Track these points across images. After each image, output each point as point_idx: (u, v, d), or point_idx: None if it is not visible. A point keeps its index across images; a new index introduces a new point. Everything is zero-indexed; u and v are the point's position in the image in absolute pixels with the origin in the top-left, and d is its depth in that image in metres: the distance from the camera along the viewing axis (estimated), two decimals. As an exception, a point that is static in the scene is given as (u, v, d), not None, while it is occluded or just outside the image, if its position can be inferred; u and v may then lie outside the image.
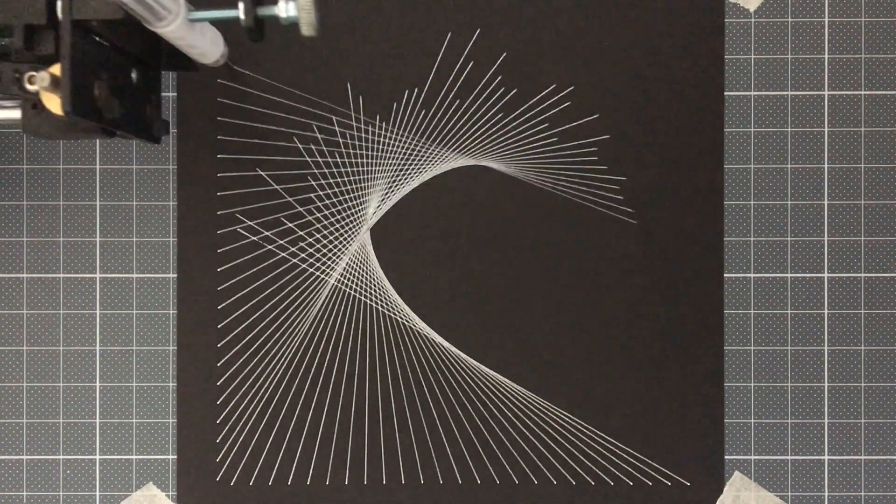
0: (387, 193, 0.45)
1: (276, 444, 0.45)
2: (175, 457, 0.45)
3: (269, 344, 0.45)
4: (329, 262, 0.45)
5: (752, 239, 0.45)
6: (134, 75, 0.35)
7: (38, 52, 0.30)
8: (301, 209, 0.45)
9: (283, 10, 0.32)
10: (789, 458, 0.45)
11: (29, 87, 0.30)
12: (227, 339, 0.45)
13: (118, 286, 0.45)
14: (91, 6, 0.29)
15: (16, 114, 0.32)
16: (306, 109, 0.45)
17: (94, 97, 0.31)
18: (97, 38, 0.31)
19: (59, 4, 0.29)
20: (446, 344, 0.45)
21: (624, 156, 0.45)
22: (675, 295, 0.45)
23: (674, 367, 0.45)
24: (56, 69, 0.30)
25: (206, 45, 0.33)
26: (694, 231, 0.45)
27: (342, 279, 0.45)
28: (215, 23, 0.34)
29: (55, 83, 0.29)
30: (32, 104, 0.31)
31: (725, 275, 0.45)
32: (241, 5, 0.31)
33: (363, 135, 0.45)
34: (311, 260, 0.45)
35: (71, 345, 0.45)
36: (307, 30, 0.32)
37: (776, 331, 0.45)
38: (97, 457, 0.45)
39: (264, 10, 0.32)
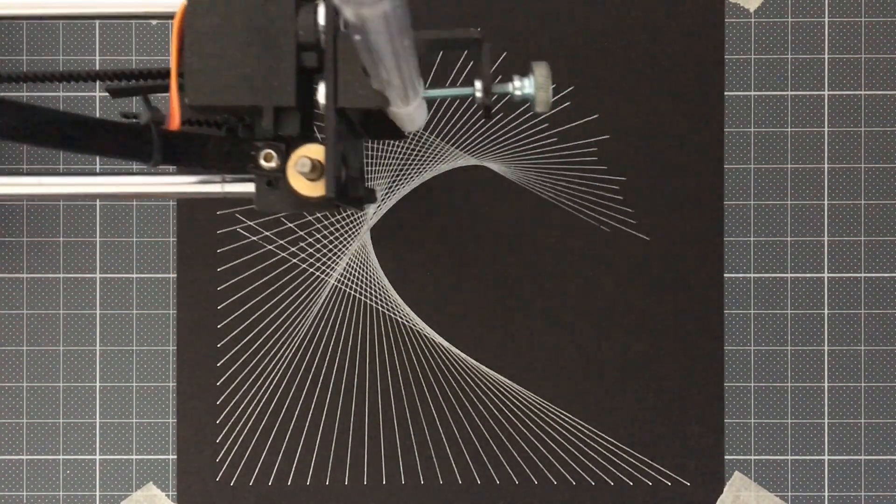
0: (387, 193, 0.45)
1: (276, 444, 0.45)
2: (175, 457, 0.45)
3: (269, 344, 0.45)
4: (329, 262, 0.45)
5: (752, 239, 0.45)
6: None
7: (283, 132, 0.30)
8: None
9: (519, 89, 0.31)
10: (789, 458, 0.45)
11: (264, 164, 0.30)
12: (227, 339, 0.45)
13: (118, 286, 0.45)
14: (357, 95, 0.29)
15: (248, 188, 0.32)
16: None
17: (342, 178, 0.31)
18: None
19: (318, 89, 0.29)
20: (446, 344, 0.45)
21: (624, 156, 0.45)
22: (675, 295, 0.45)
23: (674, 367, 0.45)
24: (314, 152, 0.30)
25: (423, 116, 0.33)
26: (694, 231, 0.45)
27: (342, 279, 0.45)
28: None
29: (314, 168, 0.29)
30: (268, 181, 0.31)
31: (725, 275, 0.45)
32: (477, 83, 0.30)
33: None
34: (311, 260, 0.45)
35: (71, 345, 0.45)
36: (542, 108, 0.31)
37: (776, 331, 0.45)
38: (97, 457, 0.45)
39: (499, 88, 0.31)
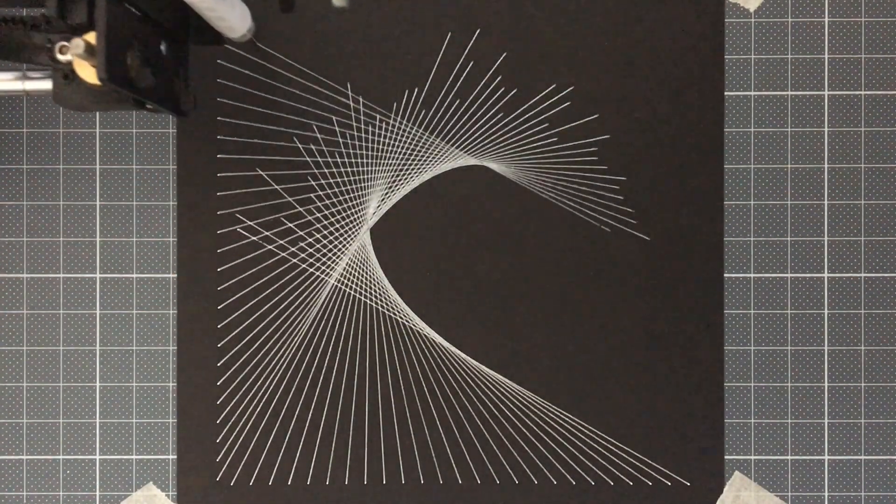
0: (387, 193, 0.45)
1: (276, 444, 0.45)
2: (175, 457, 0.45)
3: (269, 344, 0.45)
4: (329, 262, 0.45)
5: (752, 239, 0.45)
6: (163, 47, 0.35)
7: (71, 21, 0.29)
8: (301, 209, 0.45)
9: None
10: (789, 458, 0.45)
11: (61, 56, 0.30)
12: (227, 339, 0.45)
13: (118, 286, 0.45)
14: None
15: (46, 84, 0.32)
16: (306, 109, 0.45)
17: (127, 66, 0.30)
18: (129, 7, 0.31)
19: None
20: (446, 344, 0.45)
21: (624, 156, 0.45)
22: (675, 295, 0.45)
23: (674, 367, 0.45)
24: (90, 37, 0.29)
25: (235, 19, 0.32)
26: (694, 231, 0.45)
27: (342, 279, 0.45)
28: None
29: (90, 51, 0.29)
30: (64, 74, 0.31)
31: (725, 275, 0.45)
32: None
33: (363, 135, 0.45)
34: (311, 260, 0.45)
35: (71, 345, 0.45)
36: (339, 1, 0.31)
37: (776, 331, 0.45)
38: (97, 457, 0.45)
39: None
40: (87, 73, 0.30)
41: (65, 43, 0.30)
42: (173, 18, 0.33)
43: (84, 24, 0.30)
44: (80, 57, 0.29)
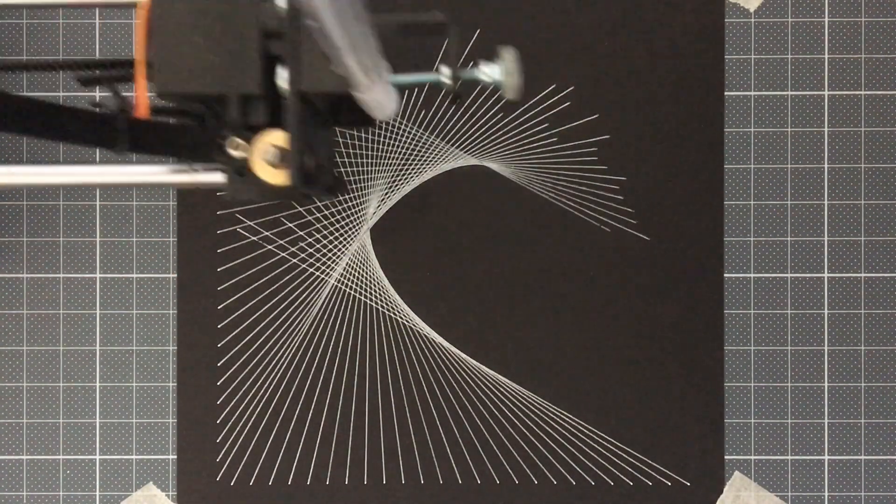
0: (387, 193, 0.45)
1: (276, 444, 0.45)
2: (175, 457, 0.45)
3: (269, 344, 0.45)
4: (329, 262, 0.45)
5: (752, 239, 0.45)
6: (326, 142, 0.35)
7: (251, 122, 0.30)
8: (301, 209, 0.45)
9: (487, 75, 0.31)
10: (789, 458, 0.45)
11: (234, 153, 0.30)
12: (227, 339, 0.45)
13: (118, 286, 0.45)
14: (318, 79, 0.29)
15: (217, 178, 0.32)
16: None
17: (308, 165, 0.31)
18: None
19: (278, 74, 0.29)
20: (446, 344, 0.45)
21: (624, 156, 0.45)
22: (675, 295, 0.45)
23: (674, 367, 0.45)
24: (277, 139, 0.29)
25: (392, 105, 0.32)
26: (694, 231, 0.45)
27: (342, 279, 0.45)
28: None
29: (281, 157, 0.29)
30: (237, 170, 0.31)
31: (725, 275, 0.45)
32: (444, 69, 0.30)
33: (363, 135, 0.45)
34: (311, 260, 0.45)
35: (71, 345, 0.45)
36: (512, 94, 0.31)
37: (776, 331, 0.45)
38: (97, 457, 0.45)
39: (467, 74, 0.31)
40: (268, 173, 0.30)
41: (238, 140, 0.30)
42: (328, 105, 0.34)
43: (263, 123, 0.30)
44: (269, 163, 0.29)
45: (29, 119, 0.25)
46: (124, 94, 0.29)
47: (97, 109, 0.29)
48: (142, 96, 0.29)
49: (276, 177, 0.30)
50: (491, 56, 0.45)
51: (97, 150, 0.45)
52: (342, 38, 0.24)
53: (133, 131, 0.29)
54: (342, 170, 0.45)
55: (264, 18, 0.29)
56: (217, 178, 0.32)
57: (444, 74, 0.30)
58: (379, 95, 0.30)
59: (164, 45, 0.29)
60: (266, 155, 0.29)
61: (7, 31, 0.45)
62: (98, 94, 0.45)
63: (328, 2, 0.21)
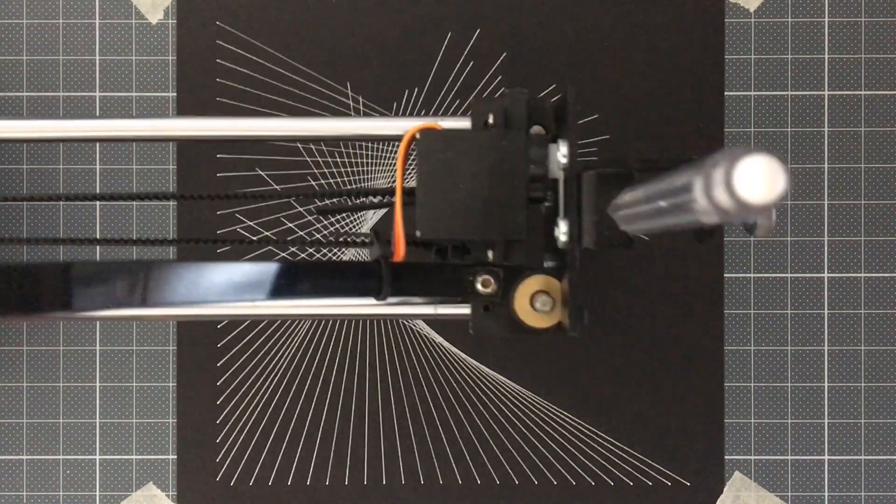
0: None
1: (276, 444, 0.45)
2: (175, 457, 0.45)
3: (269, 344, 0.45)
4: (329, 262, 0.45)
5: (752, 239, 0.45)
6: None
7: (510, 263, 0.30)
8: (301, 209, 0.45)
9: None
10: (789, 458, 0.45)
11: (482, 289, 0.31)
12: (227, 339, 0.45)
13: (118, 286, 0.45)
14: (603, 236, 0.29)
15: (463, 310, 0.32)
16: (306, 109, 0.45)
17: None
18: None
19: (562, 227, 0.29)
20: (446, 344, 0.45)
21: (624, 156, 0.45)
22: (675, 295, 0.45)
23: (674, 367, 0.45)
24: (541, 284, 0.30)
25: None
26: (694, 231, 0.45)
27: (342, 279, 0.45)
28: None
29: (552, 304, 0.30)
30: (485, 306, 0.31)
31: (725, 275, 0.45)
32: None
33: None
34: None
35: (71, 345, 0.45)
36: (763, 233, 0.31)
37: (776, 331, 0.45)
38: (97, 457, 0.45)
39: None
40: (529, 315, 0.30)
41: (489, 277, 0.31)
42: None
43: (520, 266, 0.30)
44: (539, 310, 0.30)
45: (292, 279, 0.26)
46: (385, 239, 0.30)
47: (361, 261, 0.30)
48: (400, 241, 0.30)
49: (540, 320, 0.30)
50: (499, 54, 0.45)
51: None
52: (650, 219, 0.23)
53: (393, 276, 0.29)
54: (342, 170, 0.45)
55: (532, 165, 0.29)
56: (461, 310, 0.33)
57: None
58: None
59: (431, 189, 0.29)
60: (542, 305, 0.30)
61: (7, 31, 0.45)
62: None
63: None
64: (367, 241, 0.30)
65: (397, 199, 0.30)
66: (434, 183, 0.29)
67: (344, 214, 0.45)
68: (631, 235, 0.28)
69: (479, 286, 0.31)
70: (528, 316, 0.30)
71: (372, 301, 0.31)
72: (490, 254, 0.30)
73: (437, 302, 0.33)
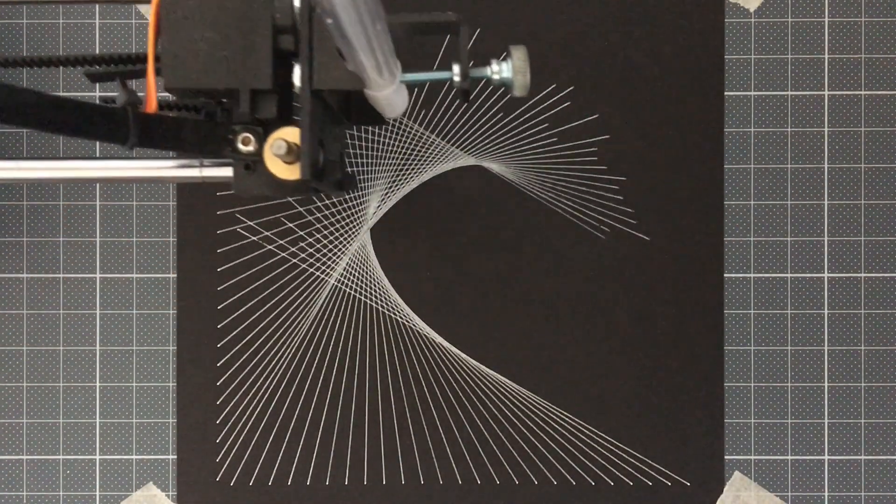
0: (387, 193, 0.45)
1: (276, 444, 0.45)
2: (175, 457, 0.45)
3: (269, 344, 0.45)
4: (329, 262, 0.45)
5: (752, 239, 0.45)
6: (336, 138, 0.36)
7: (260, 116, 0.30)
8: (301, 209, 0.45)
9: (497, 73, 0.31)
10: (789, 458, 0.45)
11: (243, 147, 0.30)
12: (227, 339, 0.45)
13: (118, 286, 0.45)
14: (332, 77, 0.29)
15: (226, 172, 0.32)
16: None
17: (319, 161, 0.31)
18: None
19: (296, 71, 0.29)
20: (446, 344, 0.45)
21: (624, 156, 0.45)
22: (675, 295, 0.45)
23: (674, 367, 0.45)
24: (288, 135, 0.30)
25: (402, 103, 0.33)
26: (694, 231, 0.45)
27: (342, 279, 0.45)
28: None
29: (290, 151, 0.29)
30: (245, 165, 0.31)
31: (725, 275, 0.45)
32: (455, 68, 0.31)
33: (363, 135, 0.45)
34: (311, 260, 0.45)
35: (71, 345, 0.45)
36: (520, 92, 0.31)
37: (776, 331, 0.45)
38: (97, 457, 0.45)
39: (477, 72, 0.31)
40: (280, 168, 0.30)
41: (248, 135, 0.30)
42: (341, 105, 0.34)
43: (272, 118, 0.30)
44: (280, 158, 0.30)
45: (36, 112, 0.25)
46: (132, 89, 0.30)
47: (108, 104, 0.29)
48: (152, 91, 0.30)
49: (288, 172, 0.30)
50: (499, 54, 0.45)
51: (97, 146, 0.45)
52: (358, 36, 0.24)
53: (142, 126, 0.29)
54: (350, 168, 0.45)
55: (276, 14, 0.29)
56: (225, 172, 0.32)
57: (455, 73, 0.31)
58: (391, 94, 0.30)
59: (175, 40, 0.29)
60: (277, 150, 0.29)
61: (7, 31, 0.45)
62: (98, 94, 0.45)
63: (351, 1, 0.21)
64: (115, 98, 0.30)
65: (150, 53, 0.29)
66: (179, 33, 0.29)
67: (339, 200, 0.45)
68: (357, 76, 0.29)
69: (239, 144, 0.30)
70: (275, 167, 0.30)
71: (144, 164, 0.31)
72: (244, 105, 0.30)
73: (205, 165, 0.33)
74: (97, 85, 0.45)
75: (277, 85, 0.30)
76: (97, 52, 0.46)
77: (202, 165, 0.33)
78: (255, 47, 0.29)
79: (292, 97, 0.31)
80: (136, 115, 0.29)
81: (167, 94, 0.30)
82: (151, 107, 0.30)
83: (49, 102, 0.26)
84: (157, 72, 0.29)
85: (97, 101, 0.31)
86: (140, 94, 0.29)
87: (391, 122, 0.45)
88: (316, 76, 0.29)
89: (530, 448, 0.45)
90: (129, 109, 0.29)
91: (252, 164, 0.31)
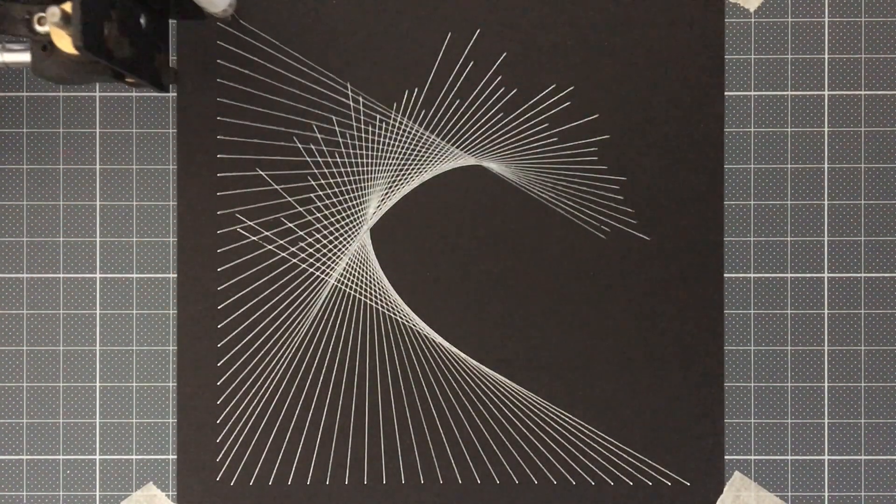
0: (387, 193, 0.45)
1: (276, 444, 0.45)
2: (175, 457, 0.45)
3: (269, 344, 0.45)
4: (329, 262, 0.45)
5: (752, 239, 0.45)
6: (143, 20, 0.35)
7: None
8: (301, 209, 0.45)
9: None
10: (789, 458, 0.45)
11: (39, 28, 0.30)
12: (227, 339, 0.45)
13: (118, 286, 0.45)
14: None
15: (25, 56, 0.32)
16: (306, 109, 0.45)
17: (105, 36, 0.30)
18: None
19: None
20: (446, 344, 0.45)
21: (624, 156, 0.45)
22: (675, 295, 0.45)
23: (674, 367, 0.45)
24: (67, 6, 0.29)
25: None
26: (694, 231, 0.45)
27: (342, 279, 0.45)
28: None
29: (66, 19, 0.29)
30: (42, 46, 0.31)
31: (725, 275, 0.45)
32: None
33: (363, 135, 0.45)
34: (311, 260, 0.45)
35: (71, 345, 0.45)
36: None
37: (776, 331, 0.45)
38: (97, 457, 0.45)
39: None
40: (65, 43, 0.30)
41: (43, 14, 0.30)
42: None
43: None
44: (56, 26, 0.29)
45: None
46: None
47: None
48: None
49: (69, 44, 0.30)
50: (499, 54, 0.45)
51: (98, 147, 0.45)
52: None
53: None
54: (342, 170, 0.45)
55: None
56: (25, 56, 0.32)
57: None
58: None
59: None
60: (52, 17, 0.29)
61: (7, 31, 0.45)
62: None
63: None
64: None
65: None
66: None
67: (339, 200, 0.45)
68: None
69: (36, 25, 0.30)
70: (61, 42, 0.30)
71: None
72: None
73: (7, 50, 0.32)
74: None
75: None
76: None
77: (4, 50, 0.32)
78: None
79: None
80: None
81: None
82: None
83: None
84: None
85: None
86: None
87: (383, 124, 0.45)
88: None
89: (530, 448, 0.45)
90: None
91: (49, 46, 0.30)
